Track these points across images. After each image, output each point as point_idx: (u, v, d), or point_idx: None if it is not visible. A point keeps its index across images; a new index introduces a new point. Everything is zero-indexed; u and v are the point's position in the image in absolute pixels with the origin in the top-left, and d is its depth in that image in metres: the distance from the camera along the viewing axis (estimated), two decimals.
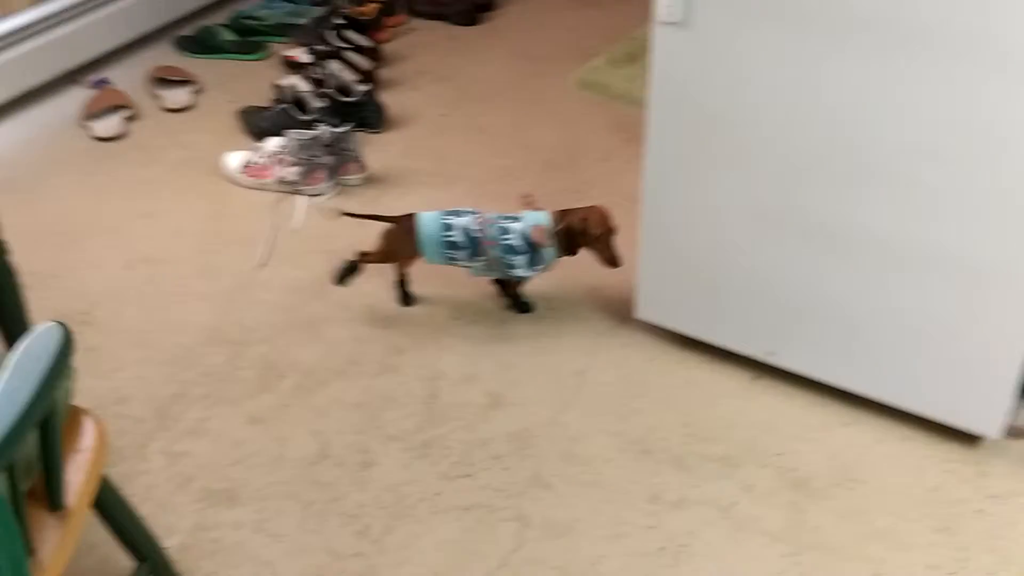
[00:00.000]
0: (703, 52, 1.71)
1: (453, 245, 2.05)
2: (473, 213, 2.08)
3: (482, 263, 2.08)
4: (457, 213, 2.08)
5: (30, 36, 2.93)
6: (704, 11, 1.67)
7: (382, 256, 2.14)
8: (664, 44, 1.75)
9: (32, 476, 1.19)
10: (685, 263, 1.97)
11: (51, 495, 1.20)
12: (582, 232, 2.05)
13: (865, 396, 1.91)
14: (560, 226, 2.05)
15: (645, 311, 2.09)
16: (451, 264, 2.10)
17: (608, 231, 2.06)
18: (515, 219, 2.06)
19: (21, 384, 1.04)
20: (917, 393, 1.85)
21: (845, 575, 1.64)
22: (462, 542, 1.69)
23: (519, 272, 2.10)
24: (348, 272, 2.14)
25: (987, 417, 1.79)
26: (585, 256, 2.10)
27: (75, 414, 1.34)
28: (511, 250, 2.05)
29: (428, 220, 2.07)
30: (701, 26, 1.69)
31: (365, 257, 2.14)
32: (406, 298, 2.22)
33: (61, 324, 1.11)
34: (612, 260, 2.08)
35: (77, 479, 1.26)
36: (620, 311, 2.18)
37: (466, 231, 2.04)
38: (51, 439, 1.14)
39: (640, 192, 1.93)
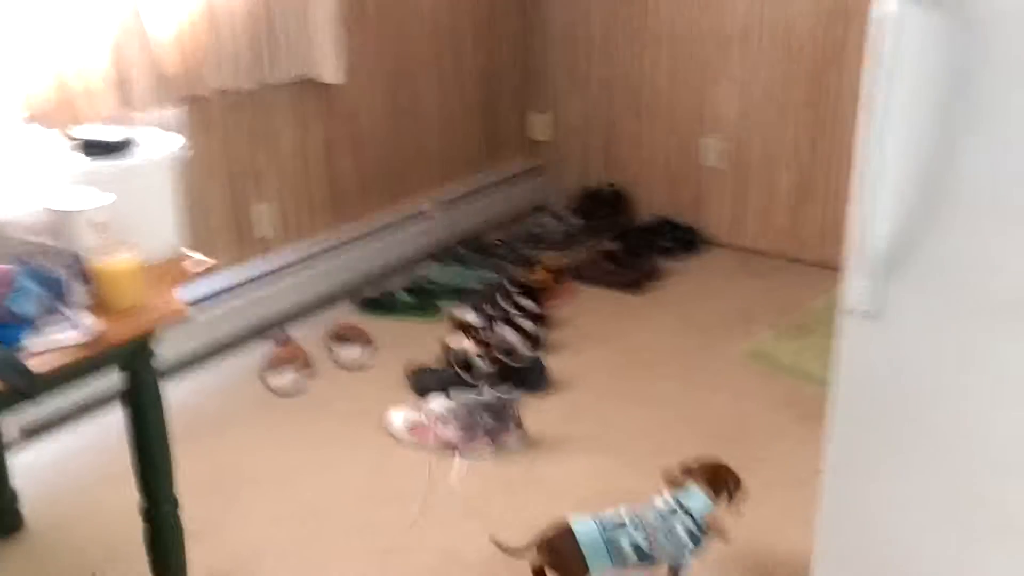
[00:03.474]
0: (894, 343, 1.64)
1: (624, 562, 1.96)
2: (633, 526, 1.97)
3: (655, 565, 2.00)
4: (620, 527, 1.96)
5: (228, 295, 3.19)
6: (898, 303, 1.62)
7: None
8: (852, 333, 1.69)
9: None
10: (866, 556, 1.80)
11: None
12: (732, 480, 2.05)
13: None
14: (722, 489, 2.03)
15: None
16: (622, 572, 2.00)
17: (736, 479, 2.06)
18: (680, 513, 1.98)
19: None
20: None
21: None
22: None
23: (690, 564, 2.00)
24: None
25: None
26: (753, 538, 1.98)
27: None
28: (686, 550, 1.98)
29: (592, 540, 1.94)
30: (892, 317, 1.63)
31: None
32: None
33: None
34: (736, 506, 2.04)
35: None
36: None
37: (636, 547, 1.95)
38: None
39: (816, 480, 1.82)
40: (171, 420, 1.89)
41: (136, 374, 1.79)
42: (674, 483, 2.06)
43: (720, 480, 2.03)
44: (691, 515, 1.98)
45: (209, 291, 3.10)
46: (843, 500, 1.81)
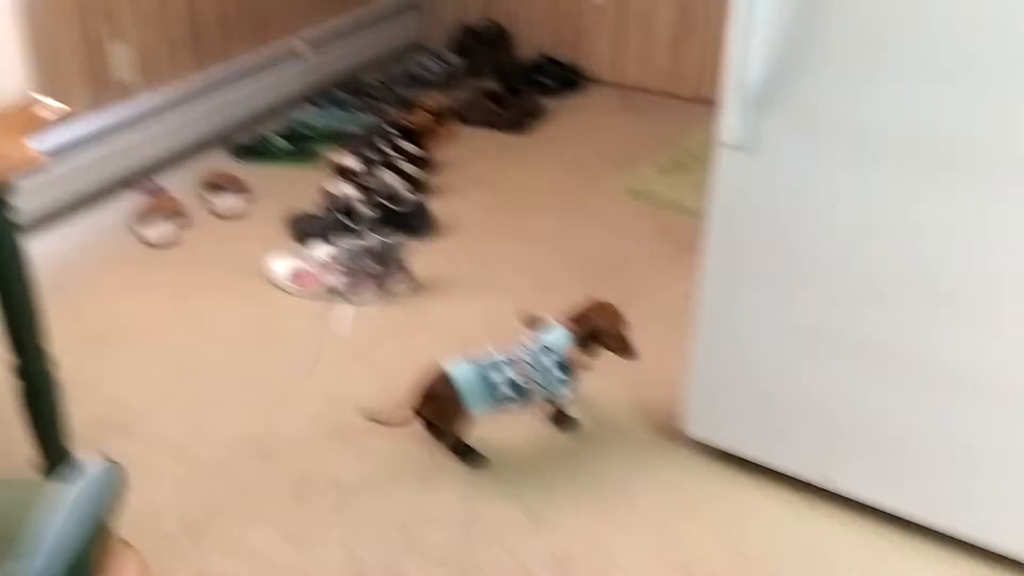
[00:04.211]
0: (766, 176, 1.69)
1: (504, 400, 1.99)
2: (505, 362, 1.99)
3: (532, 402, 2.04)
4: (495, 367, 1.98)
5: (88, 143, 3.01)
6: (769, 136, 1.65)
7: (439, 428, 2.03)
8: (726, 166, 1.73)
9: None
10: (738, 380, 1.91)
11: None
12: (600, 333, 2.02)
13: (924, 524, 1.81)
14: (583, 334, 2.01)
15: (695, 428, 2.02)
16: (496, 412, 2.03)
17: (621, 326, 2.04)
18: (546, 349, 2.00)
19: (72, 534, 1.01)
20: (980, 524, 1.74)
21: None
22: None
23: (566, 394, 2.05)
24: (466, 453, 2.05)
25: None
26: (630, 370, 2.05)
27: (116, 547, 1.30)
28: (559, 383, 2.01)
29: (467, 380, 1.97)
30: (765, 150, 1.66)
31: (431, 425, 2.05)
32: (474, 455, 2.06)
33: (115, 466, 1.08)
34: (630, 353, 2.04)
35: None
36: (667, 427, 2.11)
37: (513, 384, 1.98)
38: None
39: (695, 308, 1.89)
40: (38, 275, 1.80)
41: None
42: (532, 323, 2.09)
43: (604, 320, 2.03)
44: (552, 350, 2.00)
45: (68, 140, 2.92)
46: (715, 328, 1.89)
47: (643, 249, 2.84)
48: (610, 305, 2.06)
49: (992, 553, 1.77)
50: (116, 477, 1.07)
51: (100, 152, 3.04)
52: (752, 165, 1.69)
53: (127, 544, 1.29)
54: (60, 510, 1.03)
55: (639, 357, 2.04)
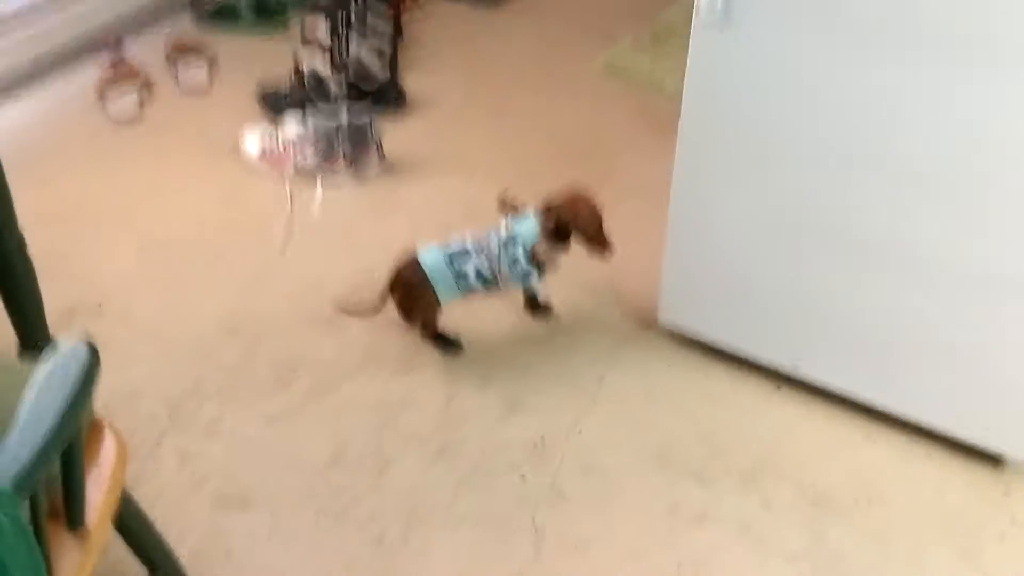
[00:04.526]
0: (743, 54, 1.66)
1: (470, 288, 1.99)
2: (474, 250, 1.97)
3: (499, 288, 2.04)
4: (463, 254, 1.97)
5: (48, 6, 2.89)
6: (746, 14, 1.61)
7: (412, 314, 2.04)
8: (703, 44, 1.69)
9: (51, 494, 1.17)
10: (711, 267, 1.93)
11: (72, 515, 1.17)
12: (574, 226, 1.96)
13: (889, 412, 1.88)
14: (551, 226, 1.95)
15: (668, 316, 2.05)
16: (467, 297, 2.03)
17: (598, 220, 1.96)
18: (515, 239, 1.97)
19: (48, 409, 1.02)
20: (944, 411, 1.81)
21: None
22: (477, 553, 1.67)
23: (536, 285, 2.06)
24: (441, 340, 2.07)
25: (1017, 440, 1.75)
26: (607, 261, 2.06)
27: (95, 427, 1.32)
28: (526, 275, 2.00)
29: (437, 267, 1.96)
30: (742, 28, 1.63)
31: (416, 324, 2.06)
32: (449, 343, 2.07)
33: (89, 344, 1.08)
34: (604, 248, 1.97)
35: (97, 497, 1.24)
36: (642, 316, 2.14)
37: (479, 273, 1.97)
38: (74, 462, 1.12)
39: (669, 192, 1.88)
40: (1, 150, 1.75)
41: None
42: (507, 206, 2.05)
43: (579, 212, 1.96)
44: (520, 242, 1.96)
45: (27, 2, 2.79)
46: (688, 215, 1.89)
47: (619, 127, 2.81)
48: (589, 198, 1.98)
49: (951, 440, 1.84)
50: (90, 353, 1.07)
51: (59, 17, 2.92)
52: (728, 41, 1.65)
53: (105, 423, 1.31)
54: (36, 386, 1.03)
55: (613, 254, 1.99)
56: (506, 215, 2.04)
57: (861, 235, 1.71)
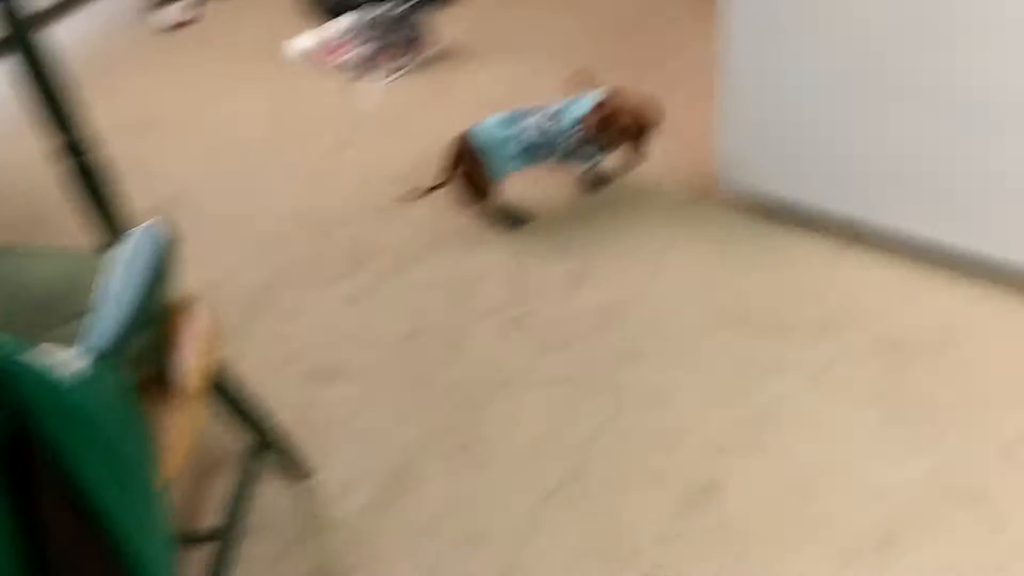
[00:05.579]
0: None
1: (525, 155, 2.00)
2: (529, 113, 1.99)
3: (552, 162, 2.05)
4: (514, 119, 1.99)
5: None
6: None
7: (472, 192, 2.05)
8: None
9: (153, 364, 1.23)
10: (769, 127, 1.92)
11: (164, 381, 1.24)
12: (615, 119, 1.98)
13: (962, 252, 1.87)
14: (599, 111, 1.98)
15: (727, 181, 2.06)
16: (520, 171, 2.05)
17: (637, 121, 1.99)
18: (562, 111, 1.99)
19: (130, 283, 1.07)
20: (1015, 247, 1.80)
21: (947, 435, 1.64)
22: (559, 411, 1.72)
23: (589, 163, 2.07)
24: (503, 215, 2.09)
25: None
26: (663, 132, 2.06)
27: (186, 302, 1.38)
28: (580, 144, 2.01)
29: (489, 134, 1.98)
30: None
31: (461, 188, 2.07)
32: (512, 218, 2.11)
33: (162, 221, 1.13)
34: (636, 153, 2.03)
35: (194, 363, 1.30)
36: (701, 185, 2.15)
37: (532, 142, 1.98)
38: (162, 327, 1.18)
39: (720, 57, 1.87)
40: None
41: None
42: (576, 84, 2.06)
43: (622, 111, 1.99)
44: (567, 115, 2.00)
45: None
46: (744, 74, 1.88)
47: (663, 6, 2.77)
48: (640, 104, 2.00)
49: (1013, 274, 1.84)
50: (166, 233, 1.12)
51: None
52: None
53: (195, 297, 1.37)
54: (119, 262, 1.08)
55: (643, 161, 2.03)
56: (574, 87, 2.05)
57: (917, 80, 1.68)
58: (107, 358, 0.99)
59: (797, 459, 1.61)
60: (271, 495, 1.61)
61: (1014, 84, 1.60)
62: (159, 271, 1.12)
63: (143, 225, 1.13)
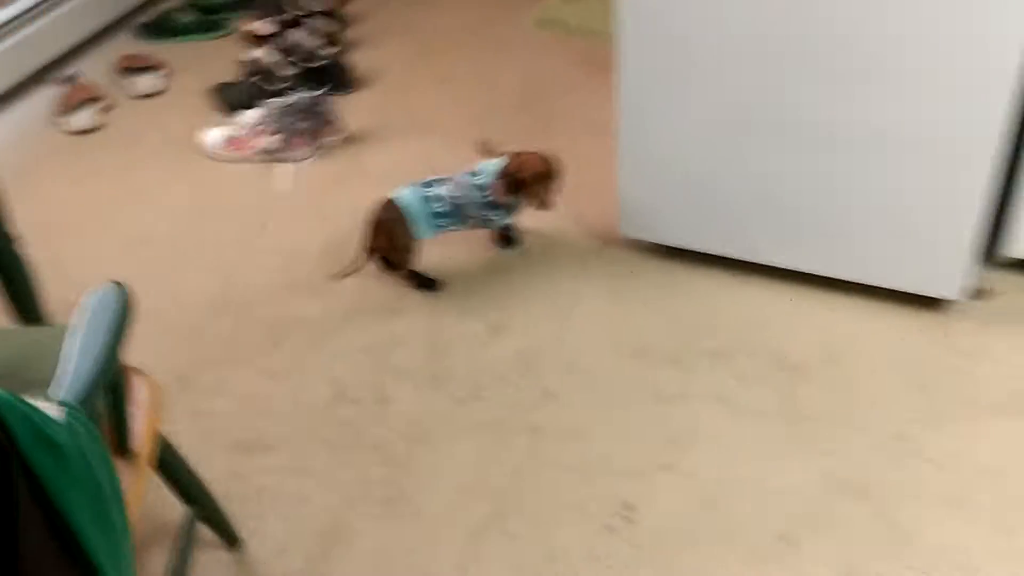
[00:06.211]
0: None
1: (444, 220, 2.13)
2: (441, 180, 2.13)
3: (468, 224, 2.18)
4: (429, 185, 2.13)
5: None
6: None
7: (394, 255, 2.15)
8: None
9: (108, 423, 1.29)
10: (660, 178, 2.08)
11: (120, 439, 1.30)
12: (518, 179, 2.11)
13: (843, 279, 2.04)
14: (504, 175, 2.11)
15: (629, 228, 2.20)
16: (440, 233, 2.16)
17: (539, 176, 2.11)
18: (475, 175, 2.13)
19: (97, 339, 1.15)
20: (886, 269, 1.98)
21: (838, 439, 1.77)
22: (480, 456, 1.81)
23: (502, 221, 2.21)
24: (423, 280, 2.20)
25: (949, 282, 1.92)
26: (568, 187, 2.21)
27: (130, 372, 1.45)
28: (491, 207, 2.14)
29: (409, 201, 2.10)
30: None
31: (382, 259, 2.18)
32: (430, 281, 2.21)
33: (118, 283, 1.21)
34: (542, 204, 2.14)
35: (140, 429, 1.37)
36: (605, 233, 2.29)
37: (451, 206, 2.12)
38: (119, 390, 1.25)
39: (614, 118, 2.03)
40: None
41: None
42: (484, 151, 2.21)
43: (526, 168, 2.11)
44: (480, 183, 2.13)
45: None
46: (635, 131, 2.04)
47: (559, 76, 2.95)
48: (543, 160, 2.13)
49: (899, 294, 2.01)
50: (124, 290, 1.21)
51: (4, 46, 3.01)
52: None
53: (135, 368, 1.44)
54: (83, 321, 1.16)
55: (551, 208, 2.16)
56: (482, 156, 2.19)
57: (791, 120, 1.86)
58: (81, 405, 1.05)
59: (705, 474, 1.73)
60: (208, 564, 1.66)
61: (878, 115, 1.79)
62: (121, 328, 1.20)
63: (99, 289, 1.21)
